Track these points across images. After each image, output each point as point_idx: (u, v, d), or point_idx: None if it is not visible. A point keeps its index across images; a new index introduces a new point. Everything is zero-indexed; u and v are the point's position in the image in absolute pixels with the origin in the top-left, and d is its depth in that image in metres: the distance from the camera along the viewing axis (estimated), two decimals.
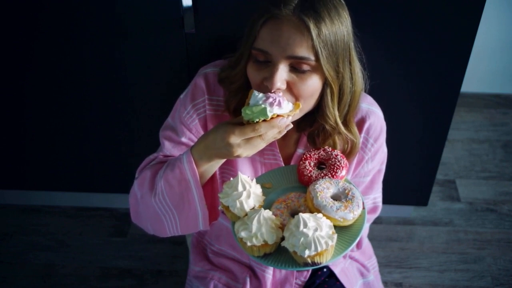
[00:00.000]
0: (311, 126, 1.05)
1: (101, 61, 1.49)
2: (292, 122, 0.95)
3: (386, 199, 1.37)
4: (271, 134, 0.87)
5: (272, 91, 0.91)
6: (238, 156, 0.89)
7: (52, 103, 1.61)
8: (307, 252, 0.83)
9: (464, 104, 2.50)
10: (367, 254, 1.35)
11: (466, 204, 2.04)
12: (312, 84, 0.93)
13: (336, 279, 1.22)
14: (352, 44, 0.97)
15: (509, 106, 2.51)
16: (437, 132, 1.60)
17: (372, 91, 1.16)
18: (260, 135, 0.87)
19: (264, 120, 0.86)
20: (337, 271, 1.23)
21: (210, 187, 1.02)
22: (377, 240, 1.89)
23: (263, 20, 0.91)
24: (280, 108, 0.86)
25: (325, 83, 0.96)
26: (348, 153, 1.08)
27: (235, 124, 0.88)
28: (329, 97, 0.97)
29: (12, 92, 1.61)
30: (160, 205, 1.01)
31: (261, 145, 0.89)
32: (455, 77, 1.46)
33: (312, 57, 0.90)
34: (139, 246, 1.88)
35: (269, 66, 0.93)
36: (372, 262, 1.36)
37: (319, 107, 1.00)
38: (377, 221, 1.95)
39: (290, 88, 0.93)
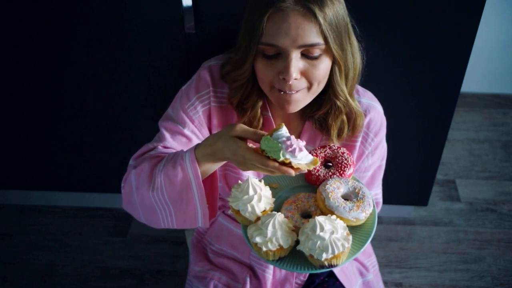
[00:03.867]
0: (318, 109, 1.06)
1: (101, 61, 1.49)
2: (295, 112, 0.99)
3: (386, 199, 1.37)
4: (278, 173, 0.84)
5: (289, 82, 0.93)
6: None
7: (52, 103, 1.61)
8: (324, 256, 0.82)
9: (464, 104, 2.50)
10: (366, 253, 1.35)
11: (466, 204, 2.04)
12: (324, 67, 0.96)
13: (336, 279, 1.22)
14: (348, 19, 0.99)
15: (509, 106, 2.51)
16: (437, 132, 1.60)
17: (373, 91, 1.16)
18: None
19: (276, 160, 0.81)
20: (336, 270, 1.22)
21: (209, 184, 1.01)
22: (377, 240, 1.89)
23: (268, 14, 0.91)
24: (294, 157, 0.81)
25: (333, 62, 0.98)
26: (353, 129, 1.09)
27: (247, 144, 0.85)
28: (337, 75, 0.99)
29: (12, 92, 1.60)
30: (157, 199, 0.99)
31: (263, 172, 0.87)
32: (455, 77, 1.46)
33: (322, 41, 0.92)
34: (139, 246, 1.88)
35: (281, 59, 0.94)
36: (371, 261, 1.35)
37: (328, 87, 1.02)
38: (377, 221, 1.94)
39: (305, 75, 0.95)
